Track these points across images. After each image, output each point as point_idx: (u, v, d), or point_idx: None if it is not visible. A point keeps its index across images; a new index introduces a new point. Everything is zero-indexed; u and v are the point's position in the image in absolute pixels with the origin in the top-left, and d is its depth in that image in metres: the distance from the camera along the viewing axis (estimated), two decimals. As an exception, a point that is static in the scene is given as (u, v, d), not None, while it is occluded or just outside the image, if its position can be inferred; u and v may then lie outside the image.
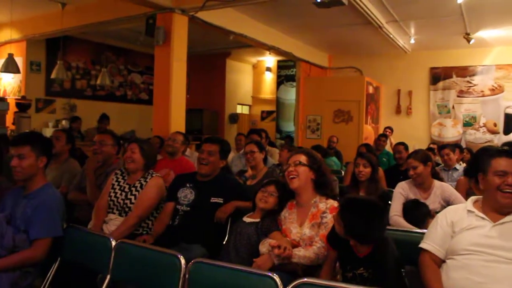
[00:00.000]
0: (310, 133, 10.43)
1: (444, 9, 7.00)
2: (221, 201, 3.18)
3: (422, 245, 2.26)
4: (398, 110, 10.81)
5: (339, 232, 2.24)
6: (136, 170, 3.36)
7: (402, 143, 5.77)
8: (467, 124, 10.08)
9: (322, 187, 2.69)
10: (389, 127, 9.60)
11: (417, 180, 3.64)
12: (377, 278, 2.13)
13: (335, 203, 2.58)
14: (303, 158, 2.70)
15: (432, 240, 2.24)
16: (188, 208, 3.19)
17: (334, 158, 7.14)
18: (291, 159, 2.75)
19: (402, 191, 3.65)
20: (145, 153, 3.35)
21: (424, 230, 2.48)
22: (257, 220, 2.76)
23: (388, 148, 8.34)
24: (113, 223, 3.22)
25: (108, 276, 2.47)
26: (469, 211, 2.22)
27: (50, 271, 2.68)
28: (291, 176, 2.66)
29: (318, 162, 2.73)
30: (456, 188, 3.99)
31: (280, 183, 2.80)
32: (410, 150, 5.18)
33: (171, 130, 5.77)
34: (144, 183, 3.31)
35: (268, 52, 9.58)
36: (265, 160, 4.54)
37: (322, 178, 2.69)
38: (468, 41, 8.50)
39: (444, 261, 2.20)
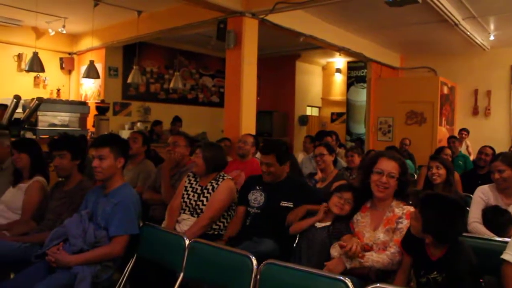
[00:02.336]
0: (381, 135, 10.16)
1: (529, 2, 6.56)
2: (291, 206, 3.16)
3: (505, 256, 2.13)
4: (475, 111, 10.27)
5: (415, 230, 2.18)
6: (199, 173, 3.43)
7: (490, 146, 5.43)
8: (554, 126, 9.42)
9: (400, 193, 2.60)
10: (464, 129, 9.11)
11: (501, 185, 3.36)
12: (451, 283, 2.04)
13: (411, 209, 2.48)
14: (396, 170, 2.56)
15: None
16: (259, 211, 3.23)
17: (409, 161, 6.90)
18: (385, 166, 2.58)
19: (483, 196, 3.40)
20: (205, 158, 3.40)
21: (506, 239, 2.34)
22: (328, 223, 2.73)
23: (464, 151, 7.96)
24: (186, 223, 3.31)
25: (181, 274, 2.54)
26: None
27: (127, 266, 2.79)
28: (383, 187, 2.55)
29: (407, 173, 2.62)
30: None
31: (356, 190, 2.71)
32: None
33: (242, 132, 5.85)
34: (215, 185, 3.37)
35: (338, 53, 9.46)
36: (335, 162, 4.49)
37: (403, 186, 2.60)
38: (557, 35, 7.93)
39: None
